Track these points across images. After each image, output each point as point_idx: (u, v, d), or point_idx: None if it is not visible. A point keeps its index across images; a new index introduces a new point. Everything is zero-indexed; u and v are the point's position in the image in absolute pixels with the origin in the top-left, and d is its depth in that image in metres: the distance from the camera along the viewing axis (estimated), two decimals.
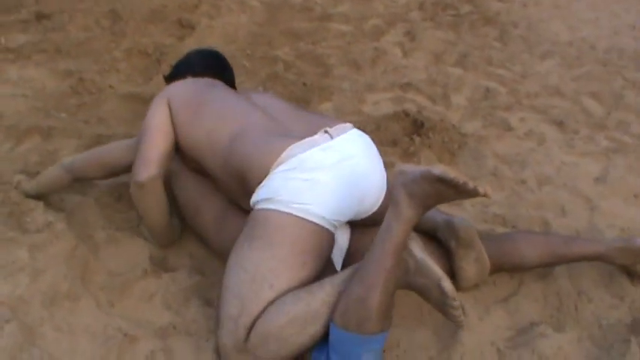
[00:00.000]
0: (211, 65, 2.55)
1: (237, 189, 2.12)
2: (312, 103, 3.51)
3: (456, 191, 1.71)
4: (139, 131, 2.27)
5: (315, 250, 1.94)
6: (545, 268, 2.38)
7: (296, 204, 1.91)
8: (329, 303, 1.81)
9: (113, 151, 2.44)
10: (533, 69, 4.20)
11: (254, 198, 2.00)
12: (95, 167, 2.44)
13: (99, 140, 2.90)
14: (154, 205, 2.25)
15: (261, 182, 1.99)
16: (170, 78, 2.57)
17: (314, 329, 1.81)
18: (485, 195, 1.67)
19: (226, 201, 2.30)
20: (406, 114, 3.36)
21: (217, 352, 1.91)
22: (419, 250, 1.88)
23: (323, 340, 1.82)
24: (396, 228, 1.78)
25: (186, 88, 2.33)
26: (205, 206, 2.34)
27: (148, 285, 2.19)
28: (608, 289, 2.38)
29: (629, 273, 2.39)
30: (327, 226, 1.96)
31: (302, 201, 1.91)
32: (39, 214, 2.34)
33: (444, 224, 2.24)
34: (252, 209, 2.00)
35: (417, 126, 3.24)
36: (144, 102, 3.31)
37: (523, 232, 2.46)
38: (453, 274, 2.27)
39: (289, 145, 2.00)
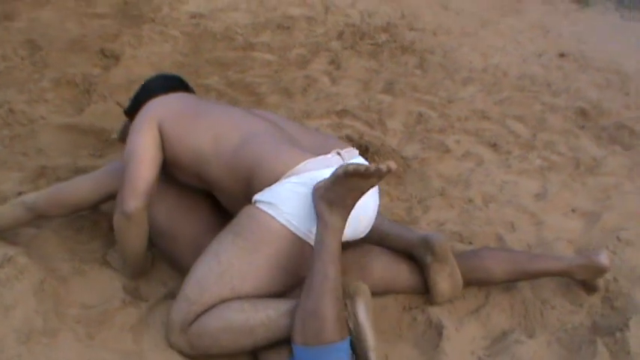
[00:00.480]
0: (176, 87, 2.49)
1: (238, 190, 2.11)
2: None
3: (366, 179, 1.83)
4: (124, 156, 2.18)
5: (294, 267, 1.99)
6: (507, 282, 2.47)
7: (296, 220, 1.95)
8: (267, 326, 1.89)
9: (79, 189, 2.35)
10: (457, 95, 4.35)
11: (257, 196, 2.01)
12: (60, 206, 2.34)
13: (43, 172, 2.78)
14: (138, 236, 2.19)
15: (269, 185, 2.00)
16: (132, 109, 2.47)
17: (245, 343, 1.90)
18: (389, 169, 1.79)
19: (205, 225, 2.25)
20: (350, 139, 3.40)
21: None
22: (363, 313, 1.92)
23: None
24: (327, 238, 1.88)
25: (172, 102, 2.28)
26: (183, 232, 2.30)
27: (128, 315, 2.12)
28: (567, 297, 2.51)
29: (587, 286, 2.51)
30: None
31: (304, 219, 1.95)
32: None
33: (420, 241, 2.30)
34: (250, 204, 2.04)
35: (363, 150, 3.28)
36: (82, 133, 3.24)
37: (489, 249, 2.54)
38: (427, 289, 2.32)
39: (306, 159, 2.03)
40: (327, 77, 4.38)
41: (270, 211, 1.96)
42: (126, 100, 3.70)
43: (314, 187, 1.94)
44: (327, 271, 1.84)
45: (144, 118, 2.22)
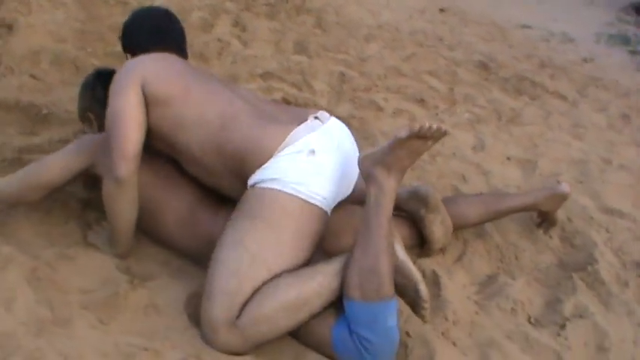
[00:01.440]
0: (166, 42, 2.38)
1: (228, 172, 2.07)
2: None
3: (427, 139, 1.87)
4: (107, 118, 2.04)
5: (315, 234, 2.01)
6: (481, 225, 2.63)
7: (303, 186, 1.95)
8: (319, 293, 1.89)
9: (51, 168, 2.16)
10: (365, 53, 4.43)
11: (255, 178, 1.98)
12: (35, 189, 2.16)
13: None
14: (129, 204, 2.08)
15: (262, 164, 1.97)
16: (130, 46, 2.38)
17: (302, 316, 1.88)
18: (445, 132, 1.88)
19: (192, 197, 2.20)
20: (287, 102, 3.39)
21: (201, 324, 1.91)
22: (402, 253, 1.99)
23: (340, 319, 1.91)
24: (384, 200, 1.91)
25: (161, 65, 2.14)
26: (168, 205, 2.20)
27: (138, 297, 2.02)
28: (531, 239, 2.71)
29: (549, 221, 2.70)
30: (326, 209, 2.02)
31: (309, 183, 1.96)
32: None
33: (412, 195, 2.39)
34: (248, 188, 2.01)
35: None
36: (4, 110, 3.01)
37: (462, 196, 2.70)
38: (422, 241, 2.44)
39: (292, 128, 2.02)
40: (237, 40, 4.28)
41: (277, 187, 1.93)
42: (35, 72, 3.49)
43: (361, 156, 1.96)
44: (383, 231, 1.88)
45: (128, 78, 2.06)
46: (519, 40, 5.48)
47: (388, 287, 1.85)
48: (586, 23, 6.64)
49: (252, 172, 1.99)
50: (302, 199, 1.95)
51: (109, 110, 2.04)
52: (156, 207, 2.20)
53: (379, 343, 1.84)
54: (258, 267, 1.88)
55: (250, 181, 1.99)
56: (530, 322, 2.27)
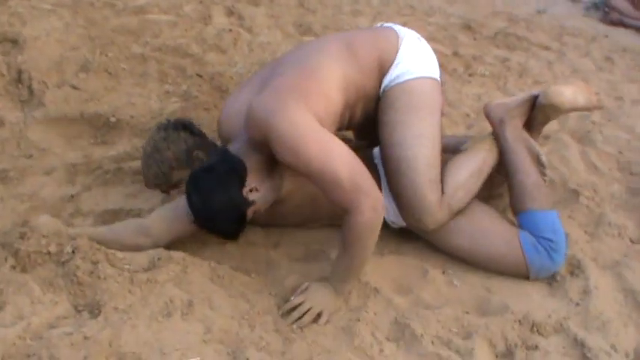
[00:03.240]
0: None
1: (375, 80, 2.32)
2: None
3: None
4: (319, 171, 2.01)
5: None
6: None
7: (430, 68, 2.35)
8: (486, 161, 2.42)
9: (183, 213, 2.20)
10: (362, 27, 4.63)
11: (390, 76, 2.29)
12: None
13: (76, 169, 2.81)
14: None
15: (393, 62, 2.30)
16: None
17: (482, 179, 2.39)
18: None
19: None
20: None
21: (410, 216, 2.30)
22: (525, 133, 2.49)
23: (521, 232, 2.33)
24: (517, 134, 2.47)
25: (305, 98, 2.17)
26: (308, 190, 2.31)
27: None
28: (596, 175, 3.00)
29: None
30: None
31: (430, 64, 2.36)
32: None
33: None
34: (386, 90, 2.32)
35: None
36: (70, 123, 3.15)
37: None
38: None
39: (395, 28, 2.43)
40: (241, 29, 4.36)
41: (414, 76, 2.28)
42: (74, 82, 3.47)
43: (495, 103, 2.54)
44: (529, 156, 2.43)
45: (306, 117, 2.07)
46: (476, 0, 5.82)
47: (550, 196, 2.45)
48: None
49: (387, 70, 2.29)
50: (434, 79, 2.34)
51: (320, 166, 1.99)
52: (310, 198, 2.35)
53: (559, 241, 2.28)
54: (438, 148, 2.28)
55: (386, 81, 2.29)
56: (632, 242, 2.59)
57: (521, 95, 2.52)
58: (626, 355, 2.03)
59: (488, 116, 2.51)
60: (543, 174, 2.45)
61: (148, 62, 3.77)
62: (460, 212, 2.32)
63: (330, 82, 2.15)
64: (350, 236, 2.03)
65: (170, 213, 2.23)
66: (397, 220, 2.38)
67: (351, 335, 2.02)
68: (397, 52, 2.29)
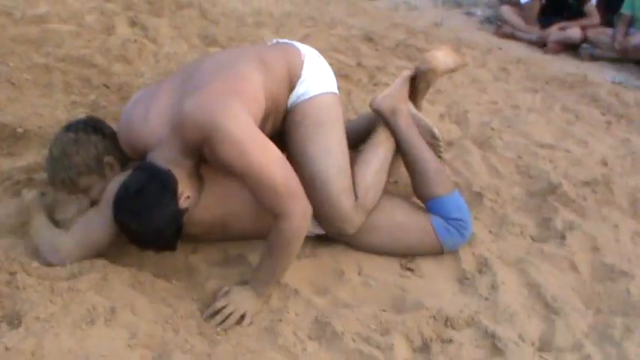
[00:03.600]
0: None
1: (285, 93, 2.38)
2: None
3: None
4: (258, 174, 2.03)
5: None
6: None
7: (330, 83, 2.45)
8: (387, 153, 2.54)
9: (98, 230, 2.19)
10: (266, 38, 4.68)
11: (297, 92, 2.36)
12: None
13: None
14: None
15: (299, 78, 2.37)
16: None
17: (386, 172, 2.51)
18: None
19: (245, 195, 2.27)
20: None
21: (328, 224, 2.40)
22: (412, 108, 2.66)
23: (432, 217, 2.50)
24: (409, 121, 2.60)
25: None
26: (235, 213, 2.36)
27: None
28: (498, 178, 3.17)
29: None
30: None
31: (330, 79, 2.47)
32: None
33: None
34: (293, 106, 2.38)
35: None
36: None
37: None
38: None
39: (298, 47, 2.49)
40: (145, 39, 4.34)
41: (318, 92, 2.37)
42: None
43: (380, 96, 2.61)
44: (423, 142, 2.57)
45: (247, 120, 2.09)
46: (375, 13, 6.01)
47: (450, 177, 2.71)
48: None
49: (294, 85, 2.36)
50: (334, 93, 2.44)
51: (253, 167, 2.02)
52: (226, 220, 2.36)
53: (466, 218, 2.51)
54: (346, 156, 2.38)
55: (293, 97, 2.36)
56: (533, 240, 2.76)
57: (398, 80, 2.68)
58: (532, 344, 2.17)
59: (378, 110, 2.60)
60: (439, 148, 2.65)
61: (52, 72, 3.69)
62: (375, 209, 2.43)
63: (258, 87, 2.20)
64: (277, 241, 2.09)
65: (83, 237, 2.18)
66: (314, 230, 2.46)
67: (274, 335, 2.07)
68: (302, 67, 2.37)
